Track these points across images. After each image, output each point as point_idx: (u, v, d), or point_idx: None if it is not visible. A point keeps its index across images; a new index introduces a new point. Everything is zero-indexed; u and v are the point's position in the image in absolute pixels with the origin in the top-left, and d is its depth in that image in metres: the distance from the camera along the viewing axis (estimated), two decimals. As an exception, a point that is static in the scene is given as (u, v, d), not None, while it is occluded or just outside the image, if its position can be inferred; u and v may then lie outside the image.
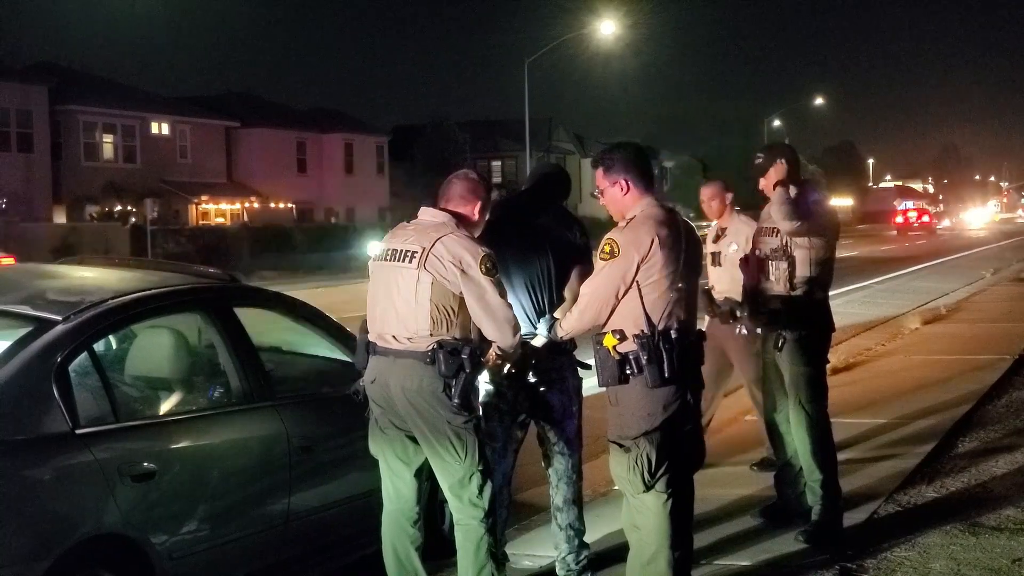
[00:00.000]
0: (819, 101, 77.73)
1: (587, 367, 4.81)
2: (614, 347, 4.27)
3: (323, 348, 5.77)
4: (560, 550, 5.12)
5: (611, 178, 4.47)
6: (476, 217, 4.62)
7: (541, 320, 4.86)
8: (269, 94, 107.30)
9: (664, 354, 4.22)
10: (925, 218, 66.01)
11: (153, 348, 4.88)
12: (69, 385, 4.20)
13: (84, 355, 4.38)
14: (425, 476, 4.64)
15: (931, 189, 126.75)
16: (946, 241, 50.18)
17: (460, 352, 4.35)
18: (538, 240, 4.96)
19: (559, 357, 4.96)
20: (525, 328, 4.70)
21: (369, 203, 53.53)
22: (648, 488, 4.29)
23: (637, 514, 4.39)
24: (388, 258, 4.51)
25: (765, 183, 5.84)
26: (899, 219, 65.98)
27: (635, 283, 4.26)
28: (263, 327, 5.64)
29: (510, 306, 4.47)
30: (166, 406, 4.86)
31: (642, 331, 4.24)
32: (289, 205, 49.64)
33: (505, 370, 4.74)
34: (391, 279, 4.47)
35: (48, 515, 3.94)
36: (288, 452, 4.90)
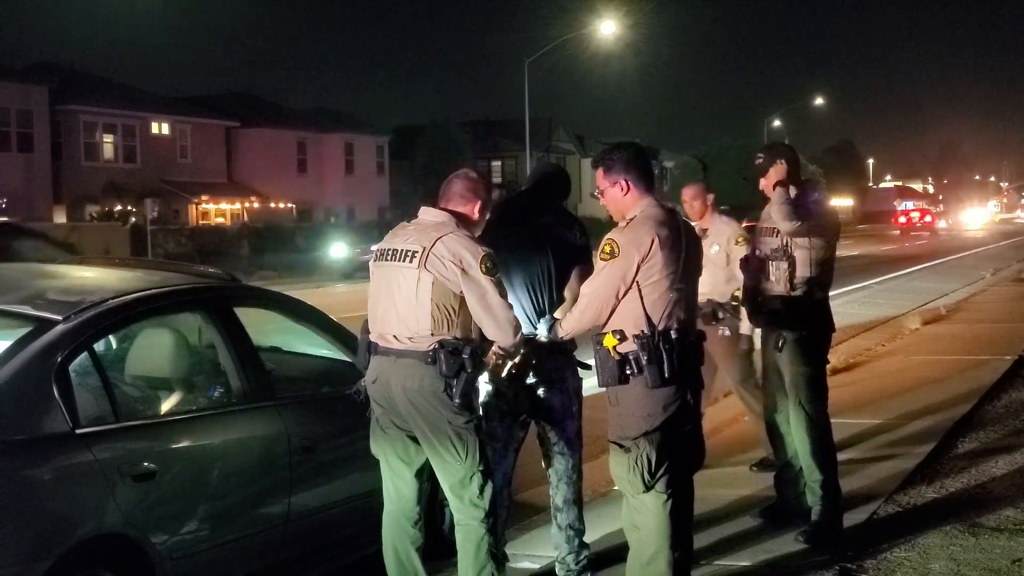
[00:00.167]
0: (819, 101, 77.72)
1: (587, 367, 4.81)
2: (614, 347, 4.27)
3: (323, 348, 5.77)
4: (560, 550, 5.13)
5: (611, 178, 4.47)
6: (476, 216, 4.63)
7: (541, 320, 4.86)
8: (269, 94, 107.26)
9: (664, 354, 4.23)
10: (928, 218, 66.16)
11: (153, 348, 4.88)
12: (69, 385, 4.20)
13: (84, 355, 4.38)
14: (426, 476, 4.64)
15: (931, 189, 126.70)
16: (944, 242, 50.15)
17: (461, 352, 4.36)
18: (538, 240, 4.96)
19: (559, 357, 4.96)
20: (525, 328, 4.70)
21: (369, 203, 53.52)
22: (648, 488, 4.29)
23: (637, 514, 4.39)
24: (389, 258, 4.51)
25: (765, 183, 5.84)
26: (902, 219, 66.11)
27: (635, 283, 4.26)
28: (263, 327, 5.64)
29: (511, 306, 4.47)
30: (166, 406, 4.86)
31: (642, 331, 4.25)
32: (289, 205, 49.63)
33: (506, 370, 4.74)
34: (392, 279, 4.47)
35: (48, 515, 3.94)
36: (288, 452, 4.90)
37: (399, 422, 4.52)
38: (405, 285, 4.42)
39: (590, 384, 4.96)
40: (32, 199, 39.26)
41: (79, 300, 4.53)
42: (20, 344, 4.22)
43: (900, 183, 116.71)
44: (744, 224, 7.67)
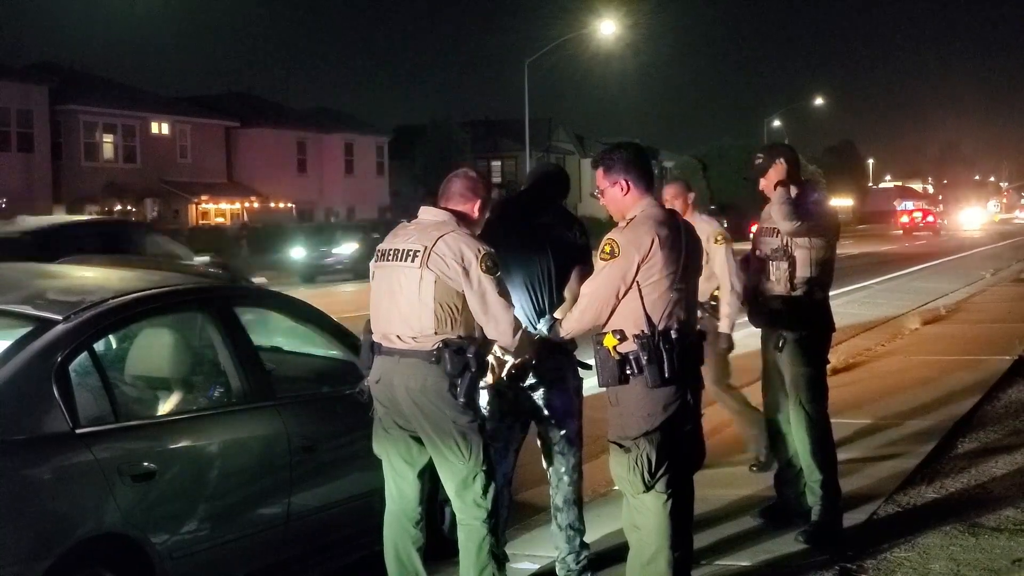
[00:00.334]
0: (819, 101, 77.84)
1: (587, 367, 4.81)
2: (614, 347, 4.27)
3: (323, 347, 5.77)
4: (560, 550, 5.12)
5: (611, 178, 4.47)
6: (476, 215, 4.63)
7: (541, 320, 4.86)
8: (269, 94, 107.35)
9: (664, 354, 4.23)
10: (930, 218, 66.24)
11: (153, 348, 4.88)
12: (69, 385, 4.20)
13: (84, 355, 4.38)
14: (428, 476, 4.65)
15: (931, 189, 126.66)
16: (944, 242, 50.14)
17: (465, 351, 4.36)
18: (538, 240, 4.96)
19: (559, 357, 4.96)
20: (526, 328, 4.69)
21: (369, 203, 53.55)
22: (648, 488, 4.29)
23: (637, 514, 4.39)
24: (390, 258, 4.51)
25: (765, 183, 5.85)
26: (904, 219, 66.18)
27: (635, 283, 4.26)
28: (263, 326, 5.64)
29: (511, 305, 4.47)
30: (166, 406, 4.85)
31: (642, 331, 4.25)
32: (289, 205, 49.63)
33: (506, 370, 4.74)
34: (394, 279, 4.47)
35: (48, 515, 3.94)
36: (289, 452, 4.90)
37: (402, 422, 4.52)
38: (407, 285, 4.42)
39: (590, 384, 4.96)
40: (32, 199, 39.22)
41: (79, 300, 4.53)
42: (20, 344, 4.22)
43: (900, 183, 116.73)
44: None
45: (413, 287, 4.40)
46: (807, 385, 5.70)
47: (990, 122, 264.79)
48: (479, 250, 4.39)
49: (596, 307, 4.34)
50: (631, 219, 4.39)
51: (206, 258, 15.55)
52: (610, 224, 4.48)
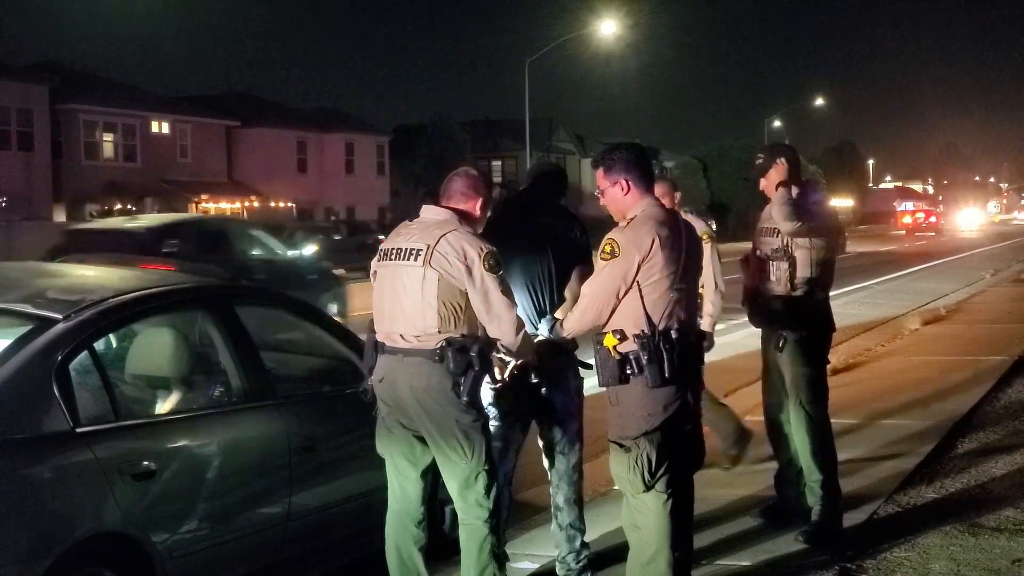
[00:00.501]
0: (819, 101, 77.77)
1: (588, 367, 4.81)
2: (614, 347, 4.27)
3: (323, 347, 5.76)
4: (560, 550, 5.13)
5: (612, 178, 4.47)
6: (478, 213, 4.64)
7: (542, 320, 4.86)
8: (269, 94, 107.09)
9: (664, 354, 4.22)
10: (932, 219, 66.29)
11: (154, 347, 4.88)
12: (70, 384, 4.20)
13: (85, 354, 4.38)
14: (431, 476, 4.65)
15: (931, 190, 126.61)
16: (944, 243, 50.10)
17: (469, 350, 4.36)
18: (538, 240, 4.96)
19: (560, 357, 4.96)
20: (527, 328, 4.69)
21: (370, 203, 53.51)
22: (648, 488, 4.29)
23: (637, 514, 4.39)
24: (393, 257, 4.51)
25: (766, 184, 5.85)
26: (906, 219, 66.19)
27: (636, 283, 4.26)
28: (263, 326, 5.63)
29: (514, 304, 4.47)
30: (167, 405, 4.85)
31: (642, 331, 4.25)
32: (289, 205, 49.60)
33: (508, 370, 4.74)
34: (397, 278, 4.47)
35: (48, 514, 3.94)
36: (289, 451, 4.90)
37: (405, 421, 4.52)
38: (410, 284, 4.42)
39: (590, 384, 4.96)
40: (32, 198, 39.25)
41: (80, 299, 4.53)
42: (20, 342, 4.22)
43: (900, 184, 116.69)
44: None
45: (416, 286, 4.40)
46: (807, 385, 5.70)
47: (990, 123, 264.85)
48: (482, 248, 4.39)
49: (596, 307, 4.34)
50: (631, 219, 4.39)
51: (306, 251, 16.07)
52: (610, 224, 4.48)
